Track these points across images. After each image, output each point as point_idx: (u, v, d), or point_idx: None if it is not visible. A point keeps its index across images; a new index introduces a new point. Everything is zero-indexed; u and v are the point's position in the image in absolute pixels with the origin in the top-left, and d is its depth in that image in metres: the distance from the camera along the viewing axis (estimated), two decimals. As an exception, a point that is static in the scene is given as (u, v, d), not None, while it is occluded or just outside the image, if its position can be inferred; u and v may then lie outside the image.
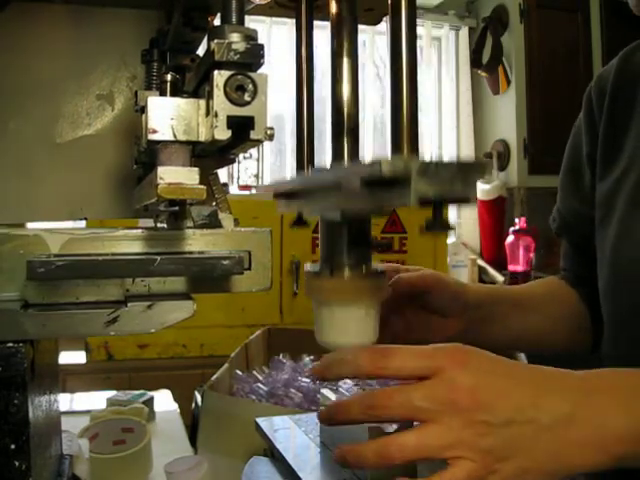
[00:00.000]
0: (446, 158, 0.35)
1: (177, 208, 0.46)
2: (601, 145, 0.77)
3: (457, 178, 0.35)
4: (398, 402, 0.44)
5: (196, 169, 0.41)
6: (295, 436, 0.60)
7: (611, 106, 0.77)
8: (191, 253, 0.46)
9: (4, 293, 0.43)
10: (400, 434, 0.45)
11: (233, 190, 2.39)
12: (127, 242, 0.46)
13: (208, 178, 0.54)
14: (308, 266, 0.51)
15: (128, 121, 0.70)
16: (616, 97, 0.77)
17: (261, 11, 0.59)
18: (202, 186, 0.40)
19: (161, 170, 0.40)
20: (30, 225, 0.68)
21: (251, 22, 2.10)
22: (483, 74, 3.01)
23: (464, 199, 0.36)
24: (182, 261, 0.43)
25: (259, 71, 0.40)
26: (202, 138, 0.41)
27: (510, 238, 2.72)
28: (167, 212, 0.50)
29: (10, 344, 0.41)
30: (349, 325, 0.49)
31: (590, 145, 0.81)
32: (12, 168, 0.69)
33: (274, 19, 2.56)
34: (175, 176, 0.40)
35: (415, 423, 0.47)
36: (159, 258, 0.41)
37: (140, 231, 0.47)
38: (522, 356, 0.96)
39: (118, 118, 0.71)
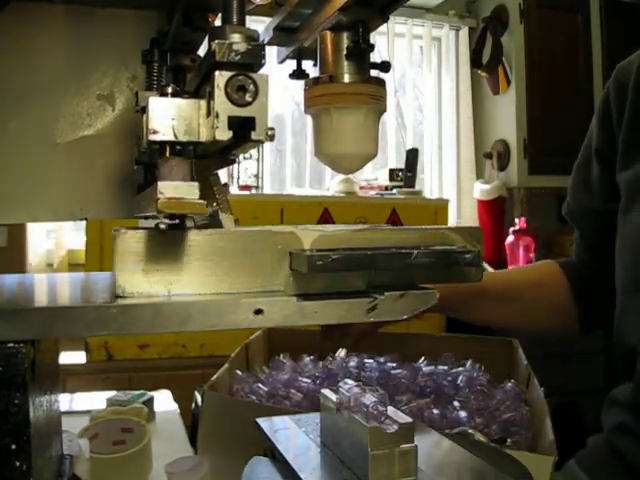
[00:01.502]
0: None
1: (177, 221, 0.46)
2: (625, 135, 0.78)
3: None
4: None
5: (196, 184, 0.41)
6: (295, 436, 0.60)
7: (636, 95, 0.77)
8: (419, 248, 0.48)
9: (270, 287, 0.46)
10: None
11: (233, 190, 2.39)
12: (366, 238, 0.48)
13: (209, 178, 0.54)
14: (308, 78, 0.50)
15: (128, 121, 0.70)
16: None
17: (261, 11, 0.59)
18: (202, 201, 0.41)
19: (161, 185, 0.40)
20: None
21: (251, 22, 2.10)
22: (483, 74, 3.01)
23: None
24: (434, 254, 0.46)
25: (260, 72, 0.40)
26: (203, 138, 0.41)
27: (510, 238, 2.72)
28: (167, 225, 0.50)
29: (10, 344, 0.41)
30: (349, 132, 0.48)
31: (600, 139, 0.82)
32: (12, 168, 0.69)
33: (274, 19, 2.55)
34: (175, 191, 0.40)
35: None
36: (416, 252, 0.45)
37: (377, 229, 0.50)
38: (519, 350, 0.96)
39: (118, 118, 0.71)
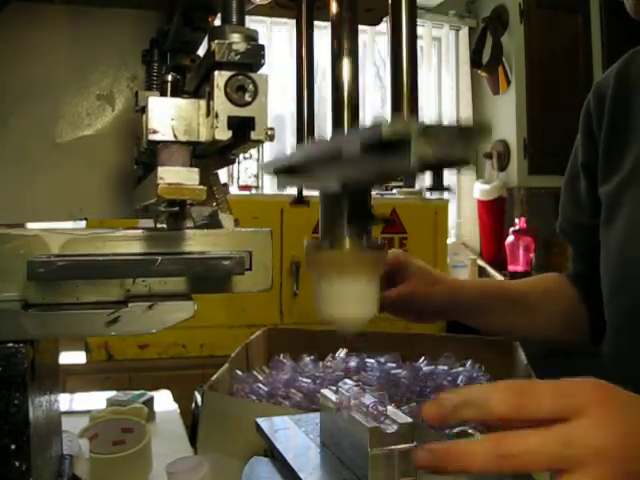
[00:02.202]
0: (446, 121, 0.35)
1: (177, 208, 0.46)
2: (604, 148, 0.78)
3: (457, 141, 0.34)
4: (536, 449, 0.38)
5: (196, 169, 0.41)
6: (295, 436, 0.60)
7: (612, 111, 0.78)
8: (191, 253, 0.46)
9: (5, 293, 0.43)
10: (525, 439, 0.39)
11: (233, 190, 2.39)
12: (127, 242, 0.46)
13: (208, 178, 0.54)
14: (307, 242, 0.51)
15: (128, 121, 0.70)
16: (617, 102, 0.78)
17: (261, 11, 0.59)
18: (202, 186, 0.40)
19: (161, 170, 0.40)
20: (30, 225, 0.68)
21: (251, 22, 2.10)
22: (483, 74, 3.01)
23: (463, 161, 0.36)
24: (183, 261, 0.43)
25: (259, 71, 0.40)
26: (202, 138, 0.41)
27: (510, 238, 2.72)
28: (167, 212, 0.50)
29: (10, 344, 0.41)
30: (349, 298, 0.48)
31: (586, 154, 0.83)
32: (12, 168, 0.69)
33: (274, 19, 2.56)
34: (175, 176, 0.40)
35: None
36: (160, 258, 0.42)
37: (140, 231, 0.47)
38: (520, 352, 0.96)
39: (118, 118, 0.71)
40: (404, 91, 0.39)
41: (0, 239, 0.43)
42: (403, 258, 0.80)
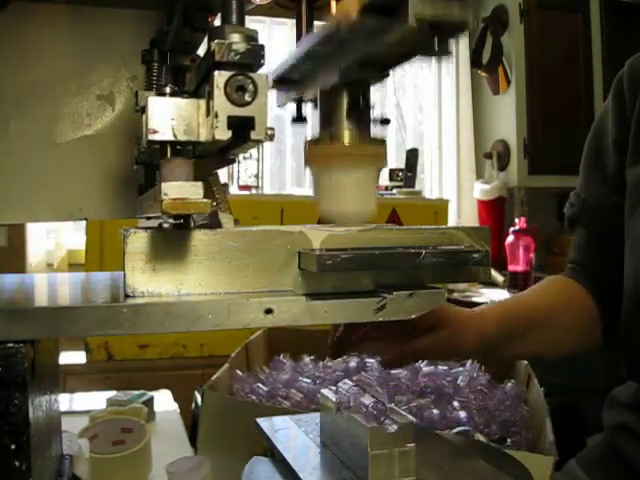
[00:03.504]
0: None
1: (182, 221, 0.46)
2: (636, 130, 0.77)
3: (454, 0, 0.35)
4: None
5: (200, 183, 0.41)
6: (295, 436, 0.60)
7: None
8: (427, 248, 0.47)
9: (278, 287, 0.46)
10: None
11: (233, 190, 2.39)
12: (373, 238, 0.48)
13: (208, 178, 0.54)
14: (307, 137, 0.51)
15: (128, 121, 0.70)
16: None
17: (261, 11, 0.59)
18: (207, 200, 0.41)
19: (165, 186, 0.40)
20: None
21: (251, 22, 2.09)
22: (483, 74, 3.01)
23: (461, 23, 0.36)
24: (442, 254, 0.46)
25: (259, 71, 0.40)
26: (202, 138, 0.41)
27: (510, 238, 2.72)
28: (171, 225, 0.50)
29: (10, 344, 0.41)
30: (349, 191, 0.48)
31: (617, 131, 0.81)
32: (12, 168, 0.69)
33: (274, 19, 2.56)
34: (179, 191, 0.40)
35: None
36: (424, 251, 0.45)
37: (385, 228, 0.49)
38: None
39: (118, 118, 0.71)
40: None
41: (268, 236, 0.46)
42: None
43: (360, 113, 0.49)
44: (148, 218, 0.55)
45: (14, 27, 0.67)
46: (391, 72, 0.51)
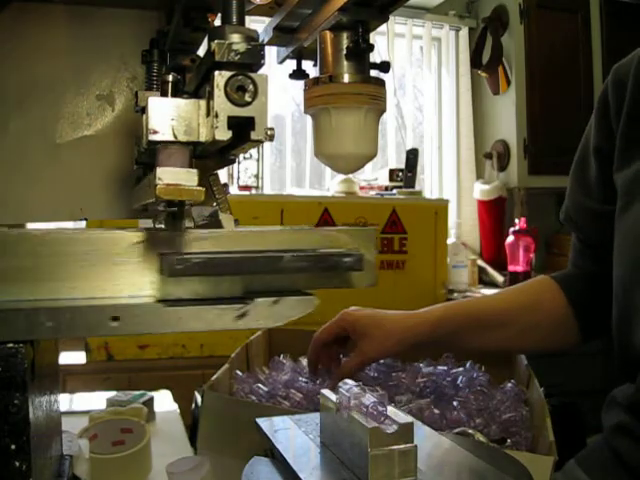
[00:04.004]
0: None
1: (175, 208, 0.46)
2: (623, 133, 0.77)
3: None
4: None
5: (195, 170, 0.41)
6: (295, 436, 0.60)
7: (635, 94, 0.76)
8: (303, 251, 0.46)
9: (138, 292, 0.44)
10: None
11: (233, 190, 2.39)
12: (241, 240, 0.47)
13: (208, 179, 0.54)
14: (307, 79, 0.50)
15: (128, 121, 0.70)
16: None
17: (261, 11, 0.59)
18: (201, 187, 0.40)
19: (160, 171, 0.40)
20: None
21: (251, 22, 2.09)
22: (483, 74, 3.01)
23: None
24: (309, 258, 0.44)
25: (259, 72, 0.40)
26: (202, 139, 0.41)
27: (510, 238, 2.72)
28: (165, 212, 0.50)
29: (10, 344, 0.41)
30: (348, 132, 0.48)
31: (599, 138, 0.82)
32: (12, 168, 0.69)
33: (274, 19, 2.55)
34: (174, 177, 0.40)
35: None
36: (289, 255, 0.43)
37: (253, 230, 0.48)
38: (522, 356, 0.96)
39: (118, 119, 0.71)
40: None
41: (125, 239, 0.45)
42: (348, 321, 0.85)
43: (360, 54, 0.48)
44: (144, 209, 0.54)
45: (14, 27, 0.67)
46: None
